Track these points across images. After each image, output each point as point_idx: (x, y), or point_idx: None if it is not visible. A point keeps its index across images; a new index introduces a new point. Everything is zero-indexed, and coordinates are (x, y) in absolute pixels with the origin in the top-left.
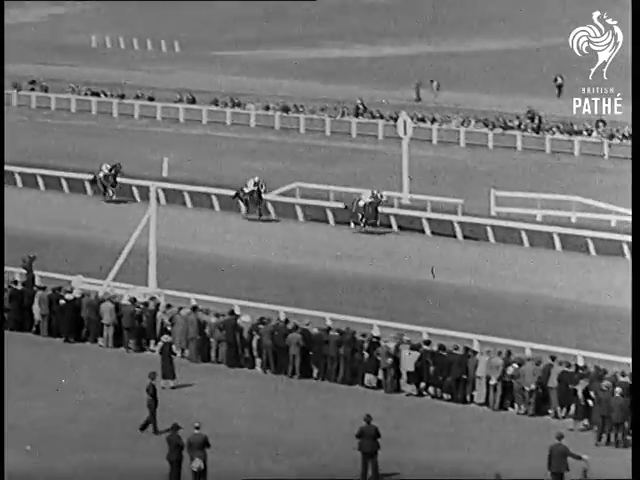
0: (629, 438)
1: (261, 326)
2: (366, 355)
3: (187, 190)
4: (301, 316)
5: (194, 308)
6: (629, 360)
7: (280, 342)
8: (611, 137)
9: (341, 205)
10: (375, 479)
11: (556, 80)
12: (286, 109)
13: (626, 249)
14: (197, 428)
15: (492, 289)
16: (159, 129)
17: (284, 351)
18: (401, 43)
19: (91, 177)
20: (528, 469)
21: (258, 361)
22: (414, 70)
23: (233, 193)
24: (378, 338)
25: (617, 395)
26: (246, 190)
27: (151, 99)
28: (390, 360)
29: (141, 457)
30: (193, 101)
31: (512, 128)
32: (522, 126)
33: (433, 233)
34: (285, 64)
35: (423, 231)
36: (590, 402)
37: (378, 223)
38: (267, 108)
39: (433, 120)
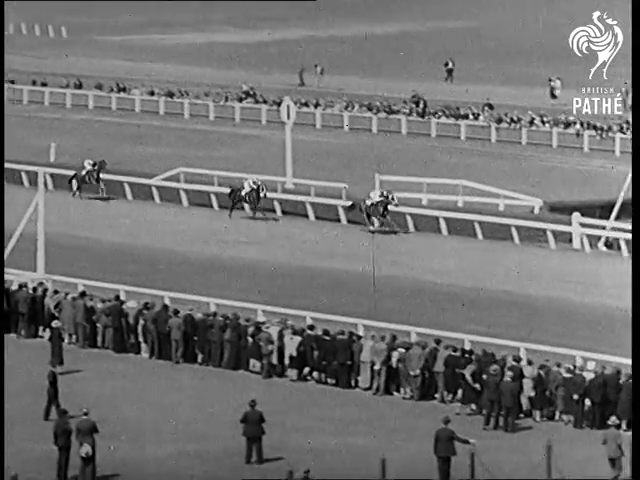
0: (518, 422)
1: (145, 311)
2: (250, 340)
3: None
4: (186, 301)
5: (82, 294)
6: (515, 343)
7: (162, 327)
8: (499, 121)
9: (348, 203)
10: (259, 464)
11: (447, 64)
12: (170, 94)
13: (515, 233)
14: (85, 414)
15: (377, 274)
16: (46, 114)
17: (167, 336)
18: (285, 27)
19: (72, 173)
20: (414, 453)
21: (144, 346)
22: (298, 55)
23: (228, 192)
24: (262, 323)
25: (507, 379)
26: (243, 192)
27: (44, 84)
28: (270, 346)
29: (30, 443)
30: (80, 86)
31: (397, 112)
32: (407, 110)
33: (317, 218)
34: (170, 49)
35: (307, 216)
36: (478, 386)
37: (389, 222)
38: (152, 93)
39: (317, 105)
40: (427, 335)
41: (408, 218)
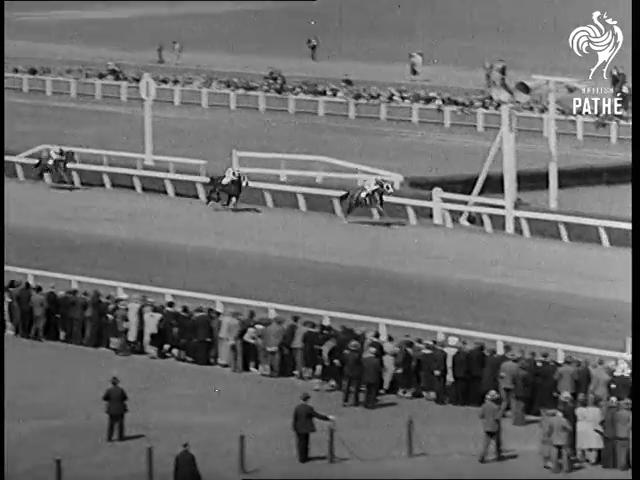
0: (379, 398)
1: (10, 289)
2: (111, 318)
3: None
4: (48, 279)
5: None
6: (375, 319)
7: (25, 305)
8: (357, 97)
9: (340, 193)
10: (121, 440)
11: (310, 41)
12: (33, 71)
13: (374, 210)
14: None
15: (233, 250)
16: None
17: (30, 314)
18: (143, 4)
19: (36, 161)
20: (273, 430)
21: (9, 324)
22: (157, 31)
23: (207, 181)
24: (122, 300)
25: (370, 355)
26: (224, 182)
27: None
28: (126, 324)
29: None
30: None
31: (255, 89)
32: (265, 87)
33: (177, 194)
34: (32, 26)
35: (166, 192)
36: (337, 362)
37: (382, 211)
38: (16, 71)
39: (175, 81)
40: (285, 311)
41: (267, 194)
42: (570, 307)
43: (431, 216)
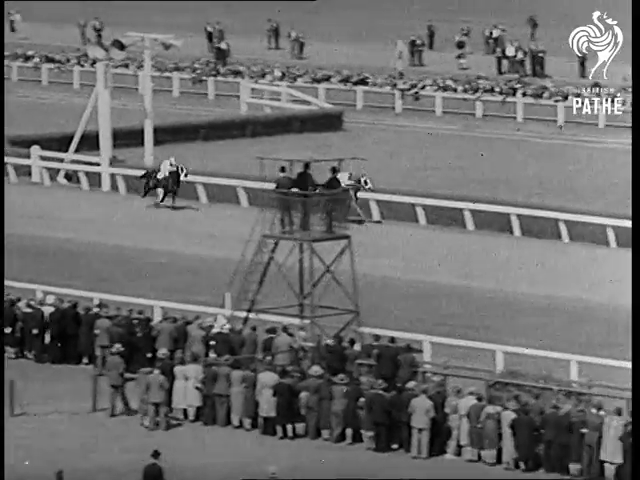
0: None
1: None
2: None
3: None
4: None
5: None
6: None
7: None
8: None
9: (139, 173)
10: None
11: None
12: None
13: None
14: None
15: None
16: None
17: None
18: None
19: None
20: None
21: None
22: None
23: (141, 174)
24: None
25: None
26: (160, 176)
27: None
28: None
29: None
30: None
31: None
32: None
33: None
34: None
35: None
36: None
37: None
38: None
39: None
40: None
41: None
42: (173, 264)
43: (30, 174)
